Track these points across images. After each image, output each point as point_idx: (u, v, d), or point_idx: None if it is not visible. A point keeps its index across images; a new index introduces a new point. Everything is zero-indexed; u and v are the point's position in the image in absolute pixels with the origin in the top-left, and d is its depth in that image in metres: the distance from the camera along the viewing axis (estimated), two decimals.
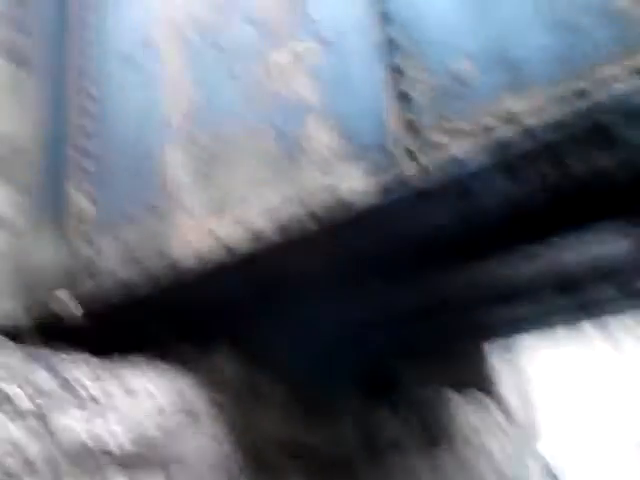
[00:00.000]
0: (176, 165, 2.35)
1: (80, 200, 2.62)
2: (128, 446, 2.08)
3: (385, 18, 1.88)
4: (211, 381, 2.61)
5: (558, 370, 6.26)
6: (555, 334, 4.51)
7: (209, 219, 2.19)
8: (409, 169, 1.74)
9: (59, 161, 2.73)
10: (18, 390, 1.85)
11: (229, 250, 2.12)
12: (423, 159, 1.71)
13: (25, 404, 1.83)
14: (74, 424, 1.96)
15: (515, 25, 1.68)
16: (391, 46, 1.85)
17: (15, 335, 2.33)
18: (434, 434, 4.11)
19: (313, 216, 1.93)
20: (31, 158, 2.78)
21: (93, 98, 2.66)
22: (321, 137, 1.94)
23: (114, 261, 2.46)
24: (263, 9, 2.21)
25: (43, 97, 2.84)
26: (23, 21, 2.96)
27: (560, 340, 5.23)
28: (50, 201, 2.72)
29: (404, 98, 1.79)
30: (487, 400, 4.93)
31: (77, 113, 2.69)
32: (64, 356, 2.20)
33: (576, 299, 3.37)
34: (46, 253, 2.64)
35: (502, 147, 1.62)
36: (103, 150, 2.57)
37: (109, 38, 2.70)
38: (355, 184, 1.84)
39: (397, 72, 1.82)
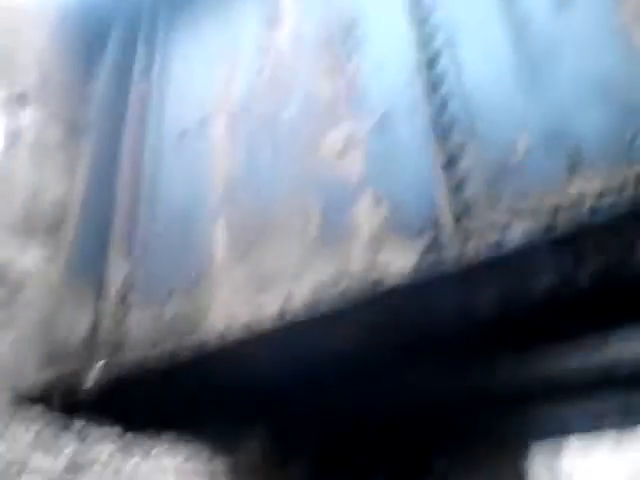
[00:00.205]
0: (219, 238, 2.34)
1: (121, 270, 2.62)
2: None
3: (440, 95, 1.90)
4: (245, 462, 2.48)
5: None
6: (604, 438, 4.23)
7: (252, 294, 2.15)
8: (463, 249, 1.68)
9: (104, 229, 2.75)
10: (51, 460, 1.77)
11: (270, 325, 2.06)
12: (478, 239, 1.66)
13: (58, 476, 1.75)
14: None
15: (573, 104, 1.67)
16: (446, 125, 1.85)
17: (47, 405, 2.27)
18: None
19: (359, 293, 1.88)
20: (76, 224, 2.82)
21: (146, 171, 2.73)
22: (370, 216, 1.92)
23: (150, 334, 2.42)
24: (317, 91, 2.27)
25: (95, 165, 2.92)
26: (83, 91, 3.11)
27: (609, 445, 4.91)
28: (89, 268, 2.72)
29: (457, 175, 1.77)
30: None
31: (129, 184, 2.75)
32: (96, 429, 2.13)
33: (629, 399, 3.18)
34: (79, 321, 2.61)
35: (563, 229, 1.56)
36: (150, 222, 2.59)
37: (166, 113, 2.80)
38: (405, 263, 1.79)
39: (452, 151, 1.81)
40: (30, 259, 2.70)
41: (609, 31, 1.80)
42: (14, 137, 2.87)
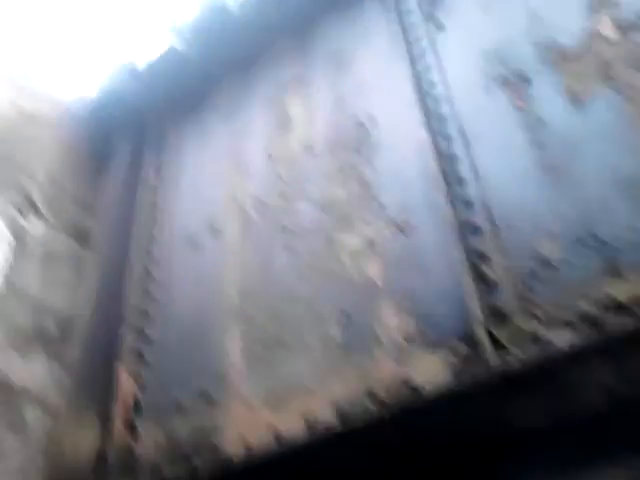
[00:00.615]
0: (233, 349, 2.24)
1: (128, 383, 2.50)
2: None
3: (462, 201, 1.85)
4: None
5: None
6: None
7: (267, 411, 2.01)
8: (495, 359, 1.58)
9: (111, 341, 2.66)
10: None
11: (287, 445, 1.92)
12: (511, 348, 1.56)
13: None
14: None
15: (600, 204, 1.62)
16: (469, 229, 1.80)
17: None
18: None
19: (383, 408, 1.75)
20: (82, 336, 2.73)
21: (155, 280, 2.66)
22: (394, 323, 1.83)
23: (157, 454, 2.26)
24: (330, 194, 2.24)
25: (102, 276, 2.87)
26: (91, 202, 3.11)
27: None
28: (95, 381, 2.61)
29: (486, 282, 1.69)
30: None
31: (137, 294, 2.68)
32: None
33: None
34: (83, 438, 2.46)
35: (604, 334, 1.46)
36: (159, 333, 2.50)
37: (175, 220, 2.78)
38: (433, 374, 1.68)
39: (477, 255, 1.75)
40: (33, 375, 2.58)
41: (627, 127, 1.79)
42: (22, 247, 2.83)
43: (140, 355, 2.51)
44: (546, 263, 1.62)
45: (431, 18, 2.55)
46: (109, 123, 3.60)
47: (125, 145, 3.49)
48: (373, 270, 1.97)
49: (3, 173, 2.97)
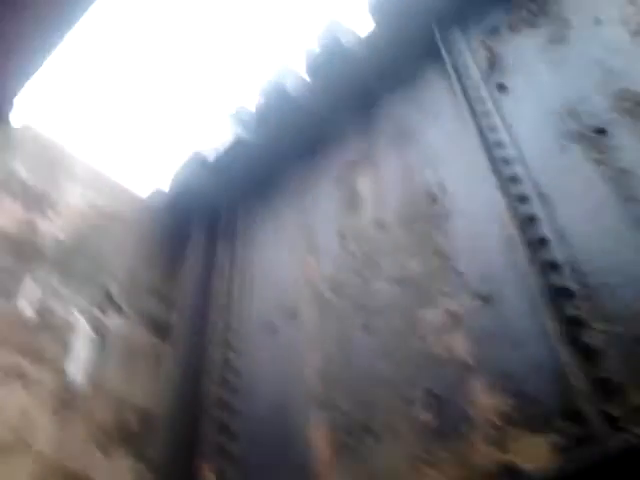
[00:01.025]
0: (318, 439, 2.15)
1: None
2: None
3: (548, 264, 1.74)
4: None
5: None
6: None
7: None
8: (611, 438, 1.42)
9: (192, 436, 2.61)
10: None
11: None
12: (629, 426, 1.39)
13: None
14: None
15: None
16: (559, 293, 1.67)
17: None
18: None
19: None
20: (163, 431, 2.70)
21: (235, 370, 2.63)
22: (489, 402, 1.70)
23: None
24: (406, 268, 2.17)
25: (181, 369, 2.86)
26: (169, 294, 3.16)
27: None
28: (178, 479, 2.54)
29: (587, 351, 1.55)
30: None
31: (217, 386, 2.65)
32: None
33: None
34: None
35: None
36: (241, 426, 2.44)
37: (252, 307, 2.78)
38: (538, 458, 1.53)
39: (572, 322, 1.62)
40: (115, 473, 2.55)
41: None
42: (102, 343, 2.89)
43: (223, 450, 2.44)
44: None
45: (494, 82, 2.52)
46: (183, 215, 3.72)
47: (199, 235, 3.57)
48: (459, 346, 1.86)
49: (84, 271, 3.08)
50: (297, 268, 2.71)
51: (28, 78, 2.96)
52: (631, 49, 2.21)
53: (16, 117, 3.23)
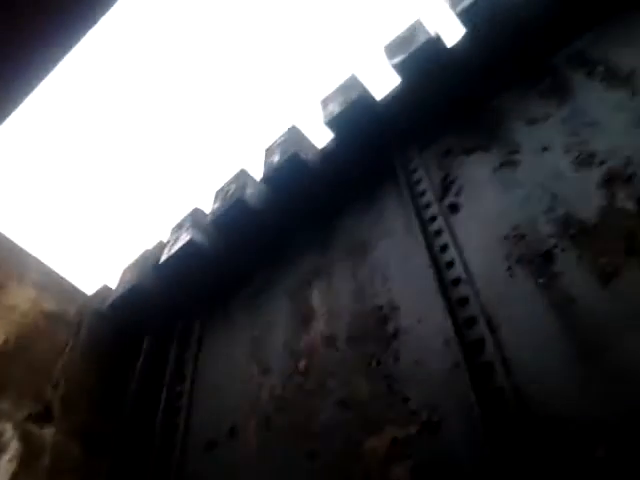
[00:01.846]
0: None
1: None
2: None
3: (494, 393, 1.77)
4: None
5: None
6: None
7: None
8: None
9: None
10: None
11: None
12: None
13: None
14: None
15: None
16: (500, 421, 1.68)
17: None
18: None
19: None
20: None
21: None
22: None
23: None
24: (353, 390, 2.16)
25: None
26: (109, 405, 3.04)
27: None
28: None
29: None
30: None
31: None
32: None
33: None
34: None
35: None
36: None
37: (197, 422, 2.69)
38: None
39: (513, 452, 1.60)
40: None
41: None
42: (30, 455, 2.73)
43: None
44: (596, 465, 1.48)
45: (446, 202, 2.63)
46: (130, 317, 3.65)
47: (147, 341, 3.50)
48: (399, 474, 1.82)
49: (20, 377, 2.96)
50: (243, 382, 2.66)
51: None
52: (575, 177, 2.35)
53: None
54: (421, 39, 2.97)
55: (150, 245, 3.80)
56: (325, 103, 3.21)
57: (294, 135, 3.36)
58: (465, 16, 2.89)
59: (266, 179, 3.29)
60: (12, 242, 3.48)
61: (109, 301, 3.68)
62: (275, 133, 3.52)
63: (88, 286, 3.84)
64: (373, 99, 3.14)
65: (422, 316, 2.22)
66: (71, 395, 3.05)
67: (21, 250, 3.51)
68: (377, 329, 2.31)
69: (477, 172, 2.69)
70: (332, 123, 3.12)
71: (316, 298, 2.75)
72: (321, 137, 3.36)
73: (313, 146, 3.35)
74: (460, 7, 2.86)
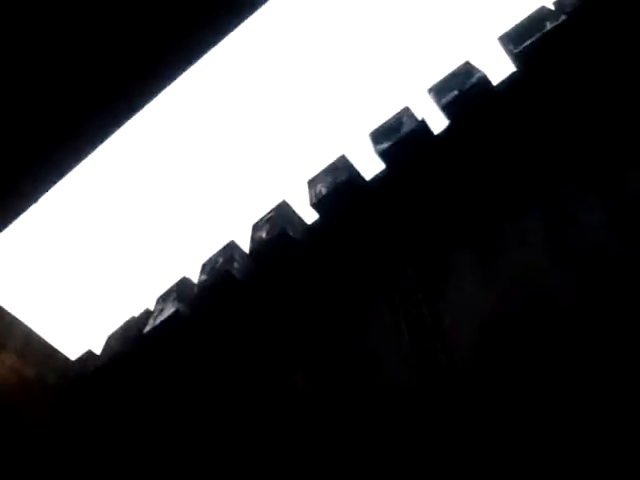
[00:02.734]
0: None
1: None
2: None
3: None
4: None
5: None
6: None
7: None
8: None
9: None
10: None
11: None
12: None
13: None
14: None
15: None
16: None
17: None
18: None
19: None
20: None
21: None
22: None
23: None
24: None
25: None
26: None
27: None
28: None
29: None
30: None
31: None
32: None
33: None
34: None
35: None
36: None
37: None
38: None
39: None
40: None
41: None
42: None
43: None
44: None
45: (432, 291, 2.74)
46: (113, 384, 3.67)
47: (132, 415, 3.52)
48: None
49: None
50: None
51: None
52: (551, 272, 2.48)
53: None
54: (406, 128, 3.11)
55: (136, 312, 3.86)
56: (313, 183, 3.32)
57: (283, 211, 3.47)
58: (451, 108, 3.05)
59: (253, 253, 3.38)
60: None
61: (91, 368, 3.71)
62: (266, 206, 3.63)
63: (71, 349, 3.88)
64: (364, 180, 3.23)
65: None
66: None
67: (7, 313, 3.55)
68: None
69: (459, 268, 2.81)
70: (318, 205, 3.21)
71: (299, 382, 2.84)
72: (311, 213, 3.47)
73: (303, 222, 3.45)
74: (445, 100, 3.02)
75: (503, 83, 3.03)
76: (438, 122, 3.11)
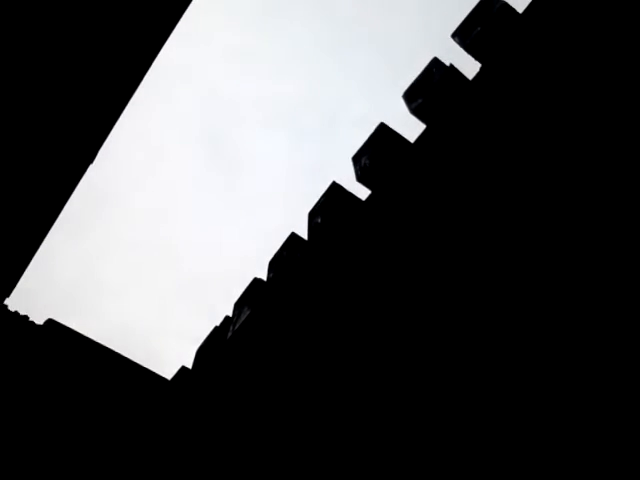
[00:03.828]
0: None
1: None
2: None
3: None
4: None
5: None
6: None
7: None
8: None
9: None
10: None
11: None
12: None
13: None
14: None
15: None
16: None
17: None
18: None
19: None
20: None
21: None
22: None
23: None
24: None
25: None
26: None
27: None
28: None
29: None
30: None
31: None
32: None
33: None
34: None
35: None
36: None
37: None
38: None
39: None
40: None
41: None
42: None
43: None
44: None
45: None
46: (204, 393, 3.81)
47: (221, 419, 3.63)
48: None
49: None
50: None
51: None
52: None
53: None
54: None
55: (217, 321, 3.99)
56: (357, 159, 3.31)
57: (334, 193, 3.48)
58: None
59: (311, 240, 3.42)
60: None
61: (187, 387, 3.88)
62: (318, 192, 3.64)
63: (166, 370, 4.07)
64: (408, 143, 3.18)
65: None
66: None
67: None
68: None
69: None
70: (365, 178, 3.21)
71: None
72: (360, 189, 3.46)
73: (355, 199, 3.45)
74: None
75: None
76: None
